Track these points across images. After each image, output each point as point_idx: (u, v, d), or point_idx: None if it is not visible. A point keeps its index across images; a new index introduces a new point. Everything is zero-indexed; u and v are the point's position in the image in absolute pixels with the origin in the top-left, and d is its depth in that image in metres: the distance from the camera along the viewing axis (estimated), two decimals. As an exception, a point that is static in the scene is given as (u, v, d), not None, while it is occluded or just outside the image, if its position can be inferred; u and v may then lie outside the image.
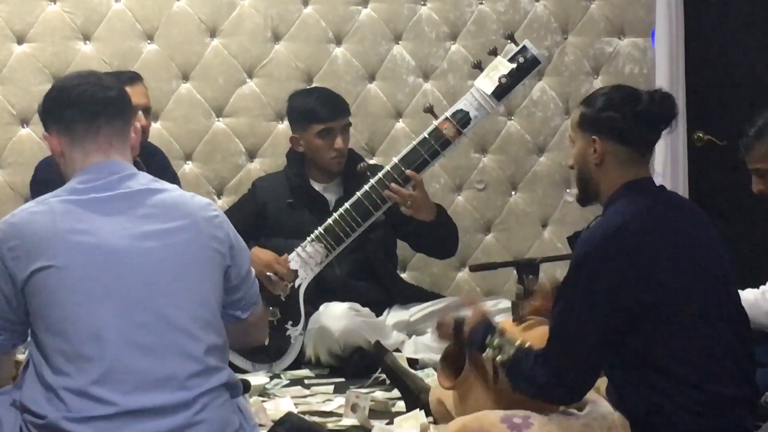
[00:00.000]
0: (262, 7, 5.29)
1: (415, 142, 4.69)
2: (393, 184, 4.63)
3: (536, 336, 3.26)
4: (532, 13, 5.47)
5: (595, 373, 3.09)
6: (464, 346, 3.33)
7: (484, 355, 3.20)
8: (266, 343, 4.61)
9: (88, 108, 2.86)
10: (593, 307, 2.98)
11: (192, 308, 2.77)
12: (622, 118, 3.13)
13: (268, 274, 4.61)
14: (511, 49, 4.69)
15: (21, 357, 3.14)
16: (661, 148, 5.40)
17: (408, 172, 4.62)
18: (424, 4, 5.42)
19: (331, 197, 4.86)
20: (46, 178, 4.30)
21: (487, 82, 4.65)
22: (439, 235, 4.88)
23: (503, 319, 3.57)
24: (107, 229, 2.75)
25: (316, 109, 4.82)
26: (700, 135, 5.58)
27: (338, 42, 5.37)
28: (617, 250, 3.00)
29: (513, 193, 5.53)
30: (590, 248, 3.02)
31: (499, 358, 3.15)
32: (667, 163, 5.39)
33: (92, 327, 2.68)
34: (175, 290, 2.76)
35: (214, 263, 2.84)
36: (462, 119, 4.66)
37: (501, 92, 4.66)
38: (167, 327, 2.73)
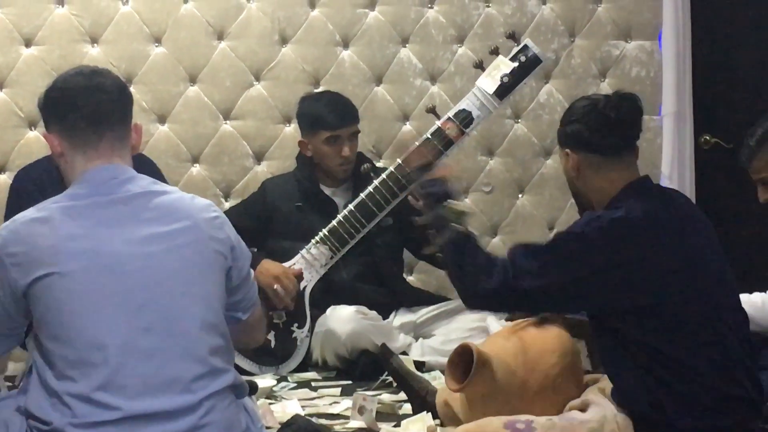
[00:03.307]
0: (269, 9, 5.30)
1: (417, 143, 4.70)
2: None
3: (529, 336, 3.29)
4: (539, 16, 5.47)
5: (531, 312, 3.25)
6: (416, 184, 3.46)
7: (438, 210, 3.28)
8: (272, 345, 4.64)
9: (91, 115, 2.83)
10: (577, 272, 3.04)
11: (196, 310, 2.76)
12: (585, 127, 3.19)
13: (275, 287, 4.62)
14: (514, 48, 4.70)
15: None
16: (668, 151, 5.41)
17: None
18: (431, 7, 5.43)
19: (340, 201, 4.86)
20: (21, 186, 4.30)
21: (489, 81, 4.66)
22: None
23: (499, 329, 3.59)
24: (109, 234, 2.74)
25: (324, 115, 4.82)
26: (707, 138, 5.59)
27: (345, 45, 5.37)
28: (625, 237, 3.02)
29: (520, 195, 5.53)
30: (596, 226, 3.05)
31: (453, 226, 3.22)
32: (674, 165, 5.40)
33: (96, 333, 2.67)
34: (178, 293, 2.75)
35: (216, 265, 2.83)
36: (464, 119, 4.67)
37: (503, 91, 4.66)
38: (171, 330, 2.72)
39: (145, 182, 2.86)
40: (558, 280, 3.05)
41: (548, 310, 3.23)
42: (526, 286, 3.05)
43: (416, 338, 4.77)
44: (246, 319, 3.02)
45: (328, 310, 4.68)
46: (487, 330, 4.50)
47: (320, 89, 5.26)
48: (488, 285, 3.10)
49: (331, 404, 4.08)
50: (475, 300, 3.19)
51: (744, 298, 3.47)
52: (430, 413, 3.68)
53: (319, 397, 4.20)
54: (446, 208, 3.30)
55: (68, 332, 2.68)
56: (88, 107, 2.83)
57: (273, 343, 4.66)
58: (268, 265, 4.67)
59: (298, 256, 4.72)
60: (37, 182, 4.16)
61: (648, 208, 3.10)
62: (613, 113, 3.17)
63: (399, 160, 4.68)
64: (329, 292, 4.76)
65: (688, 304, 3.02)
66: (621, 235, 3.03)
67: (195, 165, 5.28)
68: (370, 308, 4.72)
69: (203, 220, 2.84)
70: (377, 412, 3.77)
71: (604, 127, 3.17)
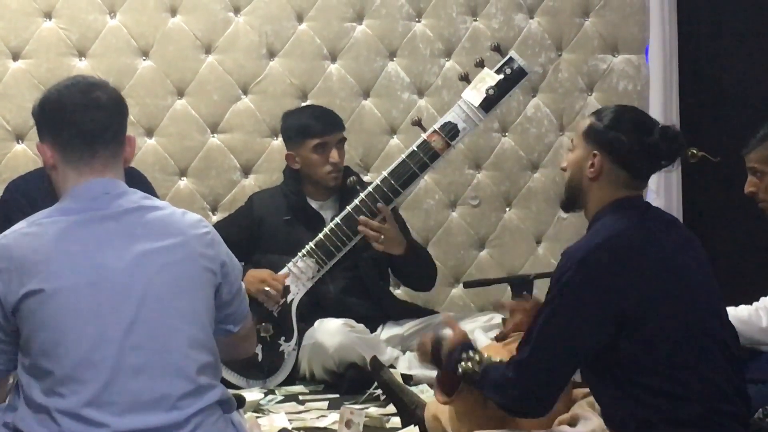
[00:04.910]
0: (257, 23, 5.30)
1: (404, 155, 4.71)
2: (362, 217, 4.65)
3: (515, 345, 3.28)
4: (526, 30, 5.48)
5: (563, 387, 3.10)
6: (441, 365, 3.30)
7: (459, 368, 3.17)
8: (259, 359, 4.63)
9: (86, 133, 2.81)
10: (572, 322, 2.97)
11: (184, 328, 2.75)
12: (628, 143, 3.10)
13: (266, 289, 4.63)
14: (499, 61, 4.72)
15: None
16: (654, 165, 5.41)
17: (379, 205, 4.65)
18: (419, 21, 5.44)
19: (327, 214, 4.86)
20: (12, 198, 4.30)
21: (474, 93, 4.67)
22: (410, 270, 4.91)
23: (487, 343, 3.58)
24: (100, 250, 2.73)
25: (310, 124, 4.84)
26: (694, 151, 5.55)
27: (333, 59, 5.38)
28: (601, 265, 2.98)
29: (507, 209, 5.54)
30: (574, 263, 3.01)
31: (470, 367, 3.14)
32: (661, 179, 5.41)
33: (86, 349, 2.66)
34: (167, 310, 2.74)
35: (206, 282, 2.82)
36: (450, 131, 4.68)
37: (488, 104, 4.67)
38: (159, 347, 2.71)
39: (136, 197, 2.85)
40: (558, 336, 3.01)
41: (566, 369, 3.11)
42: (535, 362, 3.02)
43: (403, 351, 4.77)
44: (237, 331, 3.02)
45: (316, 323, 4.67)
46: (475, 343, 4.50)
47: (308, 103, 5.26)
48: (515, 393, 3.04)
49: (318, 418, 4.07)
50: (528, 413, 3.12)
51: (730, 311, 3.47)
52: (418, 427, 3.68)
53: (306, 411, 4.20)
54: (465, 366, 3.18)
55: (57, 348, 2.67)
56: (83, 124, 2.81)
57: (260, 357, 4.65)
58: (253, 272, 4.67)
59: (285, 270, 4.71)
60: (28, 195, 4.15)
61: (626, 226, 3.08)
62: (665, 146, 3.14)
63: (385, 173, 4.67)
64: (316, 306, 4.76)
65: (672, 322, 3.00)
66: (594, 266, 2.99)
67: (182, 178, 5.28)
68: (357, 321, 4.72)
69: (194, 237, 2.83)
70: (364, 425, 3.76)
71: (647, 155, 3.12)
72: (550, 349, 3.00)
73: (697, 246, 3.20)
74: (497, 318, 4.61)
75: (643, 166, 3.14)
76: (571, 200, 3.24)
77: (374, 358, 4.14)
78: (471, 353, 3.18)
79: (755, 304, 3.92)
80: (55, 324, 2.67)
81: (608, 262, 3.00)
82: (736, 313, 3.77)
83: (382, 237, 4.67)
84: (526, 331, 3.08)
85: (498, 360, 3.16)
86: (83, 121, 2.81)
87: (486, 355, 3.18)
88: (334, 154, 4.81)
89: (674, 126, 3.24)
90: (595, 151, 3.14)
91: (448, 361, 3.25)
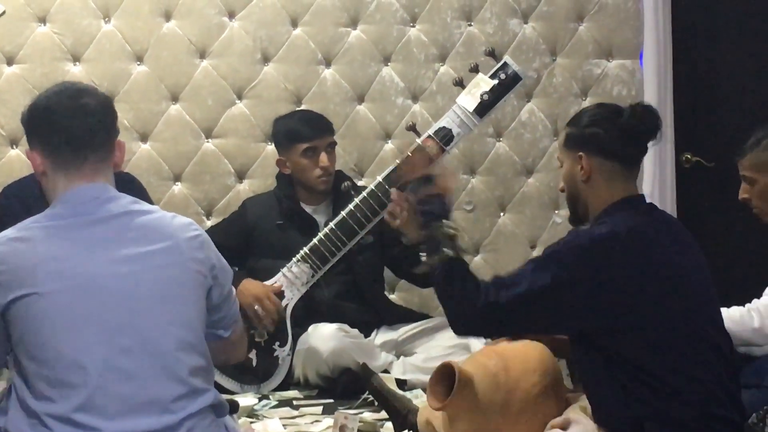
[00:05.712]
0: (251, 28, 5.30)
1: (398, 161, 4.70)
2: (394, 189, 4.65)
3: (511, 355, 3.29)
4: (521, 35, 5.48)
5: (515, 332, 3.20)
6: (413, 210, 3.40)
7: (432, 229, 3.26)
8: (253, 363, 4.63)
9: (75, 139, 2.82)
10: (558, 296, 3.00)
11: (175, 331, 2.75)
12: (605, 133, 3.16)
13: (255, 308, 4.62)
14: (493, 66, 4.72)
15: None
16: (649, 169, 5.42)
17: (392, 190, 4.64)
18: (414, 26, 5.44)
19: (320, 219, 4.86)
20: (6, 203, 4.30)
21: (469, 98, 4.66)
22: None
23: (481, 347, 3.60)
24: (89, 255, 2.74)
25: (299, 128, 4.85)
26: (688, 156, 5.60)
27: (327, 63, 5.38)
28: (604, 255, 3.01)
29: (501, 214, 5.54)
30: (578, 244, 3.04)
31: (445, 250, 3.20)
32: (655, 184, 5.41)
33: (74, 353, 2.67)
34: (157, 313, 2.74)
35: (196, 284, 2.82)
36: (445, 136, 4.67)
37: (483, 109, 4.66)
38: (150, 351, 2.71)
39: (125, 202, 2.85)
40: (532, 289, 3.03)
41: (527, 328, 3.19)
42: (504, 299, 3.04)
43: (398, 356, 4.77)
44: (228, 336, 3.02)
45: (310, 328, 4.67)
46: (468, 348, 4.50)
47: (302, 108, 5.26)
48: (473, 308, 3.08)
49: (312, 423, 4.07)
50: (460, 324, 3.17)
51: (723, 313, 3.48)
52: (411, 432, 3.68)
53: (300, 416, 4.19)
54: (440, 229, 3.27)
55: (47, 353, 2.67)
56: (71, 130, 2.82)
57: (254, 362, 4.65)
58: (249, 285, 4.66)
59: (279, 275, 4.71)
60: (22, 200, 4.16)
61: (634, 225, 3.10)
62: (638, 122, 3.17)
63: (379, 178, 4.67)
64: (311, 311, 4.76)
65: (670, 323, 3.02)
66: (601, 253, 3.02)
67: (177, 183, 5.28)
68: (352, 326, 4.71)
69: (184, 240, 2.83)
70: (359, 430, 3.77)
71: (626, 137, 3.17)
72: (526, 310, 3.05)
73: (696, 250, 3.22)
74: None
75: (626, 150, 3.18)
76: (575, 213, 3.29)
77: (364, 365, 4.13)
78: (449, 225, 3.26)
79: (747, 305, 3.93)
80: (43, 328, 2.68)
81: (609, 254, 3.02)
82: (729, 314, 3.77)
83: (405, 213, 4.65)
84: (515, 275, 3.11)
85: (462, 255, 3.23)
86: (72, 127, 2.82)
87: (460, 238, 3.27)
88: (323, 158, 4.81)
89: (641, 102, 3.30)
90: (580, 153, 3.19)
91: (424, 209, 3.35)
